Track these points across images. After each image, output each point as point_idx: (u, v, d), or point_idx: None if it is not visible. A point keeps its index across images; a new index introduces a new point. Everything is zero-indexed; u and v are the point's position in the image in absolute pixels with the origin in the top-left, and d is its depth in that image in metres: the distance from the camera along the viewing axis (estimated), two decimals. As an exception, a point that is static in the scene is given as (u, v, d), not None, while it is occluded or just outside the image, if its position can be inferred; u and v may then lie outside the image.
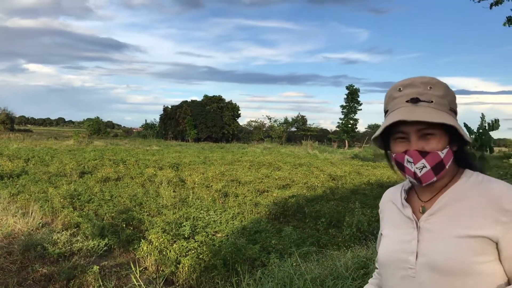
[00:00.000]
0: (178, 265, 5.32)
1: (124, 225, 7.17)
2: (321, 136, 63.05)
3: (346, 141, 54.79)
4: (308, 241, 6.50)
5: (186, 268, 5.19)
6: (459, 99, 1.23)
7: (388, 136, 1.24)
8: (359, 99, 54.56)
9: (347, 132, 54.31)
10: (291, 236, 6.60)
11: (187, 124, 55.28)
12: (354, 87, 54.46)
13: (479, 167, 1.25)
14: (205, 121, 55.76)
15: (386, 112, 1.24)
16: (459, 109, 1.23)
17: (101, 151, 23.09)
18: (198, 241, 5.90)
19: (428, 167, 1.14)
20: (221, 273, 5.01)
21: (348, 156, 32.06)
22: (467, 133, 1.85)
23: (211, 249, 5.51)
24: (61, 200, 8.66)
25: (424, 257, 1.14)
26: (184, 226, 6.89)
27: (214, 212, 8.39)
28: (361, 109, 55.78)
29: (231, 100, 59.52)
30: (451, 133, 1.16)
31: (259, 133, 62.06)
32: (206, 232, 6.71)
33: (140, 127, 68.21)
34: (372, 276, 1.52)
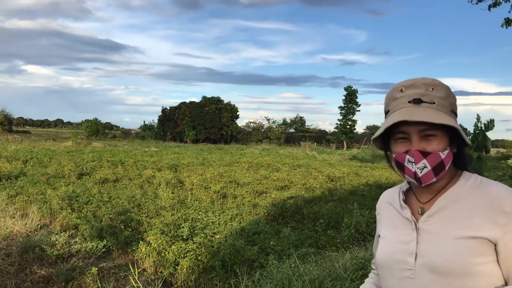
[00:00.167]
0: (176, 267, 5.32)
1: (122, 227, 7.16)
2: (320, 137, 63.19)
3: (345, 142, 54.87)
4: (307, 242, 6.49)
5: (185, 270, 5.18)
6: (458, 100, 1.23)
7: (388, 136, 1.24)
8: (357, 100, 54.73)
9: (345, 133, 54.40)
10: (289, 237, 6.60)
11: (186, 126, 55.27)
12: (353, 88, 54.61)
13: (477, 168, 1.26)
14: (204, 122, 55.77)
15: (386, 112, 1.24)
16: (457, 110, 1.23)
17: (99, 153, 23.07)
18: (196, 242, 5.89)
19: (429, 167, 1.15)
20: (219, 275, 5.00)
21: (346, 157, 32.11)
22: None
23: (210, 250, 5.51)
24: (60, 201, 8.65)
25: (423, 258, 1.15)
26: (183, 227, 6.89)
27: (213, 214, 8.38)
28: (359, 110, 56.10)
29: (229, 101, 59.69)
30: (451, 134, 1.17)
31: (257, 134, 62.04)
32: (205, 234, 6.70)
33: (138, 128, 68.23)
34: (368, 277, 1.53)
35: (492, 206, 1.10)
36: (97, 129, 59.76)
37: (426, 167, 1.15)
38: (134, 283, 3.95)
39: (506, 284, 1.10)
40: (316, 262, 4.60)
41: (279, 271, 4.17)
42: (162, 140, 53.88)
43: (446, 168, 1.16)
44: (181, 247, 5.67)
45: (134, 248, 6.12)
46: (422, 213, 1.21)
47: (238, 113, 60.11)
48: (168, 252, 5.57)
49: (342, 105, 55.14)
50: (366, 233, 6.73)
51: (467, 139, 1.16)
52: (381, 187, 12.58)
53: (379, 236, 1.35)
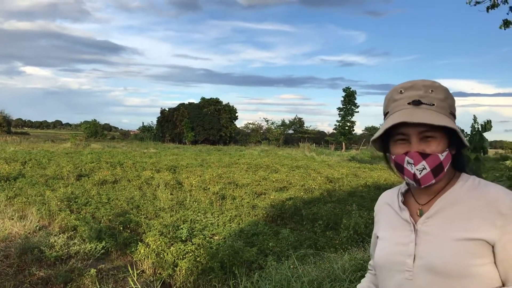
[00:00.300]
0: (175, 268, 5.31)
1: (121, 228, 7.16)
2: (318, 138, 63.24)
3: (343, 143, 54.95)
4: (306, 244, 6.50)
5: (184, 271, 5.18)
6: (456, 101, 1.24)
7: (387, 138, 1.25)
8: (356, 101, 54.90)
9: (344, 135, 54.51)
10: (288, 238, 6.60)
11: (185, 127, 55.24)
12: (351, 90, 54.77)
13: (475, 169, 1.26)
14: (203, 124, 55.74)
15: (385, 114, 1.25)
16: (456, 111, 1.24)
17: (98, 154, 23.03)
18: (195, 243, 5.89)
19: (428, 169, 1.15)
20: (218, 276, 5.00)
21: (345, 158, 32.12)
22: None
23: (209, 251, 5.51)
24: (58, 203, 8.63)
25: (421, 260, 1.15)
26: (182, 228, 6.88)
27: (212, 215, 8.38)
28: (358, 112, 56.17)
29: (228, 103, 59.56)
30: (450, 136, 1.17)
31: (256, 135, 62.05)
32: (204, 235, 6.70)
33: (137, 129, 68.07)
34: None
35: (490, 208, 1.11)
36: (96, 131, 59.64)
37: (425, 168, 1.15)
38: (133, 285, 3.95)
39: (503, 285, 1.11)
40: (315, 263, 4.61)
41: (278, 272, 4.18)
42: (161, 142, 53.84)
43: (445, 169, 1.17)
44: (180, 248, 5.67)
45: (133, 250, 6.12)
46: (420, 215, 1.22)
47: (237, 114, 60.07)
48: (167, 254, 5.57)
49: (341, 106, 55.30)
50: (365, 234, 6.73)
51: (466, 140, 1.17)
52: (379, 188, 12.59)
53: (377, 237, 1.35)
